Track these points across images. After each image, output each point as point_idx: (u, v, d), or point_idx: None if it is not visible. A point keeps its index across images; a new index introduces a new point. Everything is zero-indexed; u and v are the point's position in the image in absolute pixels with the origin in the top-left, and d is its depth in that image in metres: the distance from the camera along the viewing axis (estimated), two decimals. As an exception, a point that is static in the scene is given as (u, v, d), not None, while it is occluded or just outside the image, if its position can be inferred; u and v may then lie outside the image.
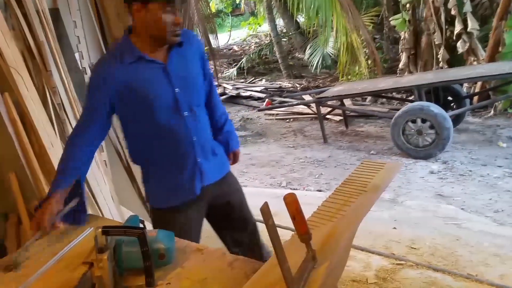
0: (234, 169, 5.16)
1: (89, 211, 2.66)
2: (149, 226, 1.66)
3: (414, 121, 4.43)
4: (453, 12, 5.94)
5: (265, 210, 0.89)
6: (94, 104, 1.57)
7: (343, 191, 1.50)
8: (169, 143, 1.61)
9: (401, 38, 6.79)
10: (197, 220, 1.79)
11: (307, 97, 6.90)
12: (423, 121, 4.37)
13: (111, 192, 2.87)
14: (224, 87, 8.75)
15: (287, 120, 6.82)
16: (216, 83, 8.93)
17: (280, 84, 8.99)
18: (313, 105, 6.14)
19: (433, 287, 2.31)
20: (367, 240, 2.85)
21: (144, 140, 1.64)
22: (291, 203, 1.04)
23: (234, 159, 2.00)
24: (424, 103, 4.41)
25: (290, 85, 8.87)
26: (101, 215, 2.72)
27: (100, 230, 1.11)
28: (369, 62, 7.36)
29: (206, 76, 1.74)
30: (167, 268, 1.28)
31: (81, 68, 2.94)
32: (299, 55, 11.12)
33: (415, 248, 2.74)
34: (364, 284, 2.39)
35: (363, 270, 2.52)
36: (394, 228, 3.04)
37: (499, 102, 5.42)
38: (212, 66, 7.17)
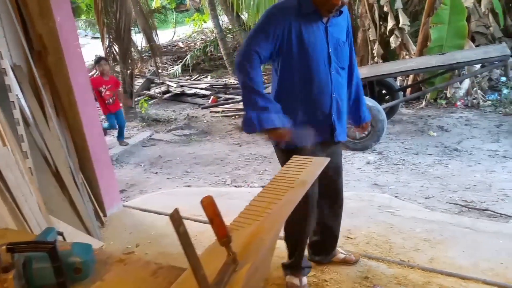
0: (178, 169, 5.05)
1: (13, 224, 2.50)
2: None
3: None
4: (385, 9, 6.20)
5: (175, 217, 0.87)
6: (268, 32, 1.82)
7: (271, 188, 1.50)
8: (314, 93, 1.93)
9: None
10: None
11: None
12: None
13: (38, 201, 2.71)
14: (168, 85, 8.58)
15: (233, 117, 6.80)
16: (158, 81, 8.76)
17: (225, 81, 8.95)
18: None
19: (368, 275, 2.40)
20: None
21: (294, 86, 1.93)
22: (208, 206, 1.02)
23: (363, 129, 2.38)
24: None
25: (235, 81, 8.85)
26: (27, 227, 2.57)
27: (4, 247, 1.03)
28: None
29: (350, 45, 2.09)
30: (85, 282, 1.22)
31: (0, 69, 2.74)
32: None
33: (351, 238, 2.83)
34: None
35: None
36: (333, 219, 3.12)
37: (429, 93, 5.74)
38: (153, 65, 7.00)
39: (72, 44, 3.16)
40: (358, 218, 3.11)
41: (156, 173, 4.85)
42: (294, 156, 1.76)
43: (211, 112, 7.13)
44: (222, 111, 7.00)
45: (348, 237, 2.84)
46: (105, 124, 5.92)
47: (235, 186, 4.23)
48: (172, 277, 1.23)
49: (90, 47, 13.78)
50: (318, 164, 1.64)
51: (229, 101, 6.80)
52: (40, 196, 2.75)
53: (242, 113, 6.77)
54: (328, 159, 1.68)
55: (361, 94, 2.24)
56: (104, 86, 5.67)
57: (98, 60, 5.85)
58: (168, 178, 4.64)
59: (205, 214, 1.03)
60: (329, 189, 2.25)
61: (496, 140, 4.69)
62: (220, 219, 1.03)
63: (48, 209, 2.87)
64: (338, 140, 2.09)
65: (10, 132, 2.72)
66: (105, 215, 3.49)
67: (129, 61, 6.31)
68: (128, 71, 6.57)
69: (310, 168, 1.60)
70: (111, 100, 5.74)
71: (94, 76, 6.23)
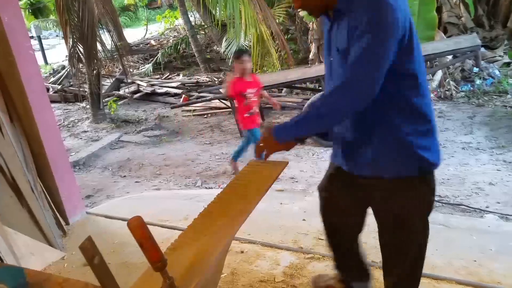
0: (148, 171, 4.89)
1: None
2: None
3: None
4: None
5: (87, 247, 0.75)
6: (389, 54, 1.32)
7: (222, 198, 1.40)
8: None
9: (310, 29, 6.91)
10: None
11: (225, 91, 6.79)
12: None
13: (-9, 213, 2.53)
14: (138, 84, 8.35)
15: (205, 116, 6.67)
16: (128, 80, 8.53)
17: (197, 78, 8.78)
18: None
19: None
20: (276, 235, 2.83)
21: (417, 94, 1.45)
22: (136, 228, 0.91)
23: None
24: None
25: (208, 79, 8.70)
26: (-22, 242, 2.40)
27: None
28: (283, 53, 7.42)
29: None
30: (10, 313, 1.09)
31: None
32: (217, 48, 10.96)
33: (322, 239, 2.75)
34: (272, 283, 2.34)
35: (271, 268, 2.48)
36: (304, 220, 3.05)
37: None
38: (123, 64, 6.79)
39: (23, 45, 2.97)
40: (329, 217, 3.04)
41: (125, 176, 4.69)
42: (251, 160, 1.66)
43: (182, 111, 6.97)
44: (194, 110, 6.85)
45: (319, 239, 2.77)
46: (241, 145, 4.35)
47: (206, 188, 4.11)
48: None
49: (61, 47, 13.37)
50: (275, 168, 1.54)
51: (198, 100, 6.64)
52: (-8, 208, 2.57)
53: (215, 111, 6.64)
54: (287, 162, 1.58)
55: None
56: (249, 90, 4.13)
57: (239, 54, 4.19)
58: (136, 182, 4.49)
59: (134, 238, 0.92)
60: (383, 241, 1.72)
61: (469, 132, 4.71)
62: (151, 242, 0.92)
63: (3, 220, 2.70)
64: (356, 173, 1.58)
65: (-45, 141, 2.53)
66: (67, 224, 3.32)
67: (95, 61, 6.08)
68: (94, 71, 6.35)
69: (267, 173, 1.50)
70: (255, 110, 4.22)
71: (231, 76, 4.41)
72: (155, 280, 0.98)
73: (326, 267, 2.44)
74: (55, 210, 3.21)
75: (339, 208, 1.79)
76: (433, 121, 1.48)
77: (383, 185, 1.50)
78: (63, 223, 3.26)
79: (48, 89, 9.19)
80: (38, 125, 3.02)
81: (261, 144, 1.51)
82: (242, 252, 2.68)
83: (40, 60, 12.84)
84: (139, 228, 0.90)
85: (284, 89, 6.80)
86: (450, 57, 5.70)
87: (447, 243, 2.57)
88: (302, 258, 2.55)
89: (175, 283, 0.99)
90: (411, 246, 1.60)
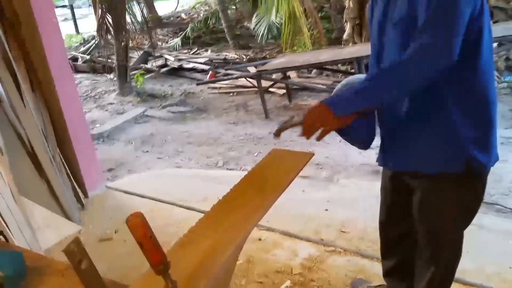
0: (170, 148, 4.85)
1: None
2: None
3: (353, 95, 4.29)
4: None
5: (73, 250, 0.64)
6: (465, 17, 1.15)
7: (240, 189, 1.27)
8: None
9: (346, 7, 6.59)
10: None
11: (252, 69, 6.62)
12: (363, 95, 4.24)
13: (9, 182, 2.51)
14: (166, 59, 8.26)
15: (231, 94, 6.52)
16: (156, 54, 8.45)
17: (226, 55, 8.60)
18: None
19: (359, 276, 2.20)
20: (297, 224, 2.71)
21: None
22: (136, 226, 0.79)
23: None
24: (363, 76, 4.26)
25: (236, 56, 8.51)
26: (-4, 211, 2.38)
27: None
28: (315, 32, 7.14)
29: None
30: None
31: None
32: (247, 24, 10.69)
33: (345, 232, 2.62)
34: (288, 275, 2.24)
35: (288, 259, 2.38)
36: (326, 210, 2.91)
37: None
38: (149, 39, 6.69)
39: (47, 14, 2.89)
40: (354, 209, 2.90)
41: (147, 151, 4.64)
42: (274, 148, 1.53)
43: (208, 88, 6.84)
44: (220, 87, 6.71)
45: (342, 231, 2.64)
46: None
47: (227, 169, 4.02)
48: (111, 298, 1.03)
49: (93, 17, 13.39)
50: (300, 160, 1.40)
51: (224, 77, 6.49)
52: (11, 177, 2.55)
53: (241, 90, 6.45)
54: (312, 153, 1.42)
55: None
56: None
57: None
58: (158, 158, 4.43)
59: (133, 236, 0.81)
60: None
61: (510, 126, 4.40)
62: (152, 243, 0.81)
63: (21, 191, 2.68)
64: (387, 165, 1.53)
65: (-24, 108, 2.50)
66: (86, 197, 3.30)
67: (123, 32, 6.00)
68: (122, 43, 6.27)
69: (291, 165, 1.37)
70: None
71: None
72: (157, 281, 0.87)
73: (348, 262, 2.31)
74: (74, 183, 3.19)
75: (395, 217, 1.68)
76: (494, 114, 1.30)
77: (423, 183, 1.38)
78: (81, 196, 3.24)
79: (77, 59, 9.25)
80: (59, 95, 2.97)
81: (313, 121, 1.23)
82: (259, 239, 2.59)
83: (71, 30, 12.93)
84: (139, 227, 0.79)
85: (314, 70, 6.55)
86: (495, 44, 5.31)
87: (480, 246, 2.38)
88: (322, 251, 2.43)
89: (179, 287, 0.88)
90: (441, 254, 1.46)
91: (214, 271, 0.94)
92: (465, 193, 1.34)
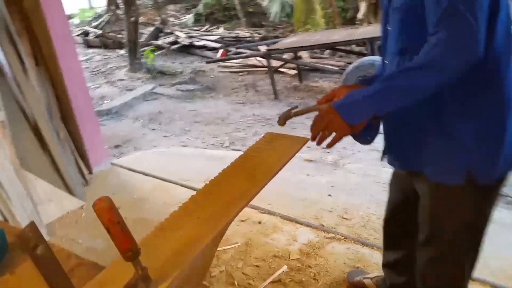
0: (177, 126, 4.82)
1: None
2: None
3: (364, 77, 4.16)
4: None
5: (28, 235, 0.60)
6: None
7: (229, 173, 1.22)
8: None
9: (362, -14, 6.38)
10: None
11: (264, 49, 6.49)
12: (375, 78, 4.11)
13: (11, 156, 2.50)
14: (177, 36, 8.16)
15: (241, 74, 6.43)
16: (167, 30, 8.35)
17: (238, 33, 8.47)
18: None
19: (358, 265, 2.15)
20: (297, 209, 2.66)
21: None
22: (102, 211, 0.75)
23: None
24: (376, 58, 4.13)
25: (248, 34, 8.38)
26: (-3, 185, 2.39)
27: None
28: (330, 11, 6.95)
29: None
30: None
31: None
32: (261, 2, 10.48)
33: (346, 219, 2.57)
34: (286, 260, 2.21)
35: (287, 243, 2.34)
36: (329, 195, 2.85)
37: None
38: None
39: (50, -14, 2.83)
40: (358, 196, 2.83)
41: (154, 129, 4.62)
42: (267, 132, 1.47)
43: (219, 66, 6.76)
44: (231, 66, 6.62)
45: (343, 217, 2.58)
46: None
47: (233, 150, 3.97)
48: (88, 279, 1.00)
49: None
50: (293, 145, 1.34)
51: (234, 56, 6.38)
52: (13, 151, 2.55)
53: (252, 69, 6.32)
54: (307, 139, 1.34)
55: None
56: None
57: None
58: (165, 136, 4.41)
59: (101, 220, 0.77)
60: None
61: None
62: (119, 229, 0.76)
63: (24, 165, 2.68)
64: (393, 165, 1.40)
65: (-22, 81, 2.48)
66: (90, 173, 3.30)
67: (133, 7, 5.91)
68: (132, 19, 6.19)
69: (283, 149, 1.31)
70: None
71: None
72: (130, 266, 0.84)
73: (347, 250, 2.27)
74: (78, 158, 3.19)
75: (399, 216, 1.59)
76: (509, 115, 1.10)
77: (426, 188, 1.25)
78: (86, 172, 3.24)
79: (88, 34, 9.21)
80: (63, 70, 2.94)
81: (323, 128, 1.12)
82: (259, 222, 2.55)
83: (85, 4, 12.86)
84: (106, 212, 0.75)
85: (327, 51, 6.40)
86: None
87: (486, 240, 2.30)
88: (322, 237, 2.39)
89: (150, 274, 0.84)
90: (441, 267, 1.32)
91: (190, 259, 0.90)
92: (468, 208, 1.19)
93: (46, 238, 2.53)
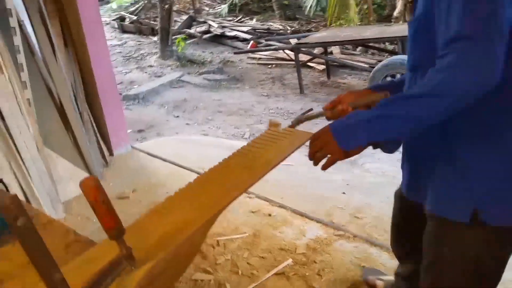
0: (200, 115, 4.88)
1: (4, 154, 2.43)
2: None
3: (393, 77, 4.08)
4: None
5: (9, 206, 0.63)
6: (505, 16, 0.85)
7: (227, 164, 1.23)
8: None
9: (399, -18, 6.20)
10: None
11: (294, 42, 6.44)
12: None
13: (35, 134, 2.61)
14: (210, 25, 8.21)
15: (269, 66, 6.42)
16: (200, 19, 8.40)
17: (270, 25, 8.43)
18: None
19: (364, 264, 2.12)
20: (309, 204, 2.65)
21: None
22: (88, 190, 0.77)
23: None
24: (406, 57, 4.02)
25: (280, 27, 8.33)
26: (19, 159, 2.50)
27: None
28: (365, 7, 6.81)
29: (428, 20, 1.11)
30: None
31: None
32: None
33: (358, 218, 2.53)
34: (292, 253, 2.20)
35: (295, 238, 2.33)
36: (344, 193, 2.83)
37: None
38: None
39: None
40: (373, 195, 2.79)
41: (178, 116, 4.70)
42: (272, 124, 1.46)
43: (248, 58, 6.77)
44: (260, 58, 6.61)
45: (355, 216, 2.55)
46: None
47: (253, 141, 3.98)
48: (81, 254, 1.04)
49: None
50: (297, 139, 1.33)
51: (262, 48, 6.36)
52: (37, 129, 2.65)
53: (280, 62, 6.29)
54: (311, 133, 1.32)
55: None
56: None
57: None
58: (187, 124, 4.48)
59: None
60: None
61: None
62: (104, 207, 0.79)
63: (47, 143, 2.79)
64: (405, 194, 1.26)
65: (10, 60, 2.58)
66: (111, 155, 3.40)
67: (166, -5, 6.00)
68: (166, 6, 6.28)
69: (285, 143, 1.30)
70: None
71: None
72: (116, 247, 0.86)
73: (355, 249, 2.24)
74: (100, 140, 3.28)
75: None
76: None
77: (430, 218, 1.16)
78: (107, 153, 3.33)
79: (124, 19, 9.40)
80: (90, 53, 3.02)
81: (317, 149, 1.08)
82: (269, 215, 2.56)
83: (124, -10, 13.09)
84: (91, 190, 0.77)
85: (360, 47, 6.29)
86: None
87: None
88: (331, 234, 2.37)
89: (138, 254, 0.87)
90: None
91: (176, 243, 0.91)
92: (474, 248, 1.06)
93: (62, 215, 2.64)
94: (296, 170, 3.08)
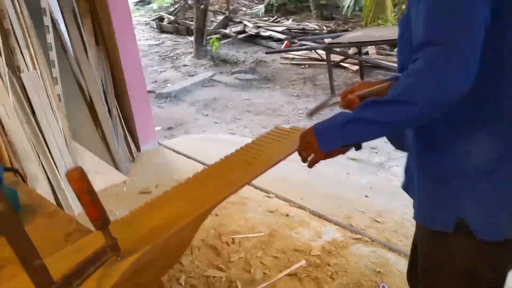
0: (229, 114, 4.90)
1: (33, 146, 2.54)
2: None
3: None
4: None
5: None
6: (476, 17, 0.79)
7: (228, 161, 1.24)
8: None
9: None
10: None
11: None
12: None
13: (63, 128, 2.73)
14: (245, 25, 8.25)
15: (302, 66, 6.36)
16: (236, 19, 8.43)
17: (306, 25, 8.36)
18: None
19: (380, 269, 2.06)
20: (329, 206, 2.61)
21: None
22: (74, 180, 0.79)
23: None
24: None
25: (316, 27, 8.24)
26: (47, 151, 2.61)
27: None
28: (403, 7, 6.62)
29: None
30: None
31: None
32: (334, -6, 10.23)
33: (378, 222, 2.47)
34: (306, 255, 2.18)
35: (310, 239, 2.31)
36: (366, 196, 2.76)
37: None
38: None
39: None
40: (396, 200, 2.70)
41: (207, 115, 4.75)
42: (276, 126, 1.45)
43: (281, 58, 6.74)
44: (293, 58, 6.57)
45: (376, 220, 2.49)
46: None
47: (278, 141, 3.96)
48: (81, 244, 1.07)
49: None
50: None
51: (293, 48, 6.30)
52: (66, 123, 2.77)
53: (314, 62, 6.20)
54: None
55: None
56: None
57: None
58: (215, 122, 4.52)
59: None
60: None
61: None
62: (89, 198, 0.81)
63: (76, 137, 2.91)
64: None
65: (42, 56, 2.71)
66: (138, 150, 3.49)
67: (202, -4, 6.08)
68: (201, 7, 6.37)
69: (288, 143, 1.29)
70: None
71: None
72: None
73: (372, 253, 2.18)
74: (128, 136, 3.38)
75: None
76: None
77: (421, 231, 1.11)
78: (134, 149, 3.43)
79: (163, 19, 9.63)
80: (120, 51, 3.11)
81: (303, 148, 1.06)
82: (287, 215, 2.54)
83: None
84: (76, 181, 0.79)
85: (397, 48, 6.11)
86: None
87: None
88: (348, 237, 2.32)
89: (126, 245, 0.89)
90: None
91: (165, 236, 0.92)
92: (465, 259, 0.99)
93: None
94: (320, 170, 3.03)
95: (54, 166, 2.58)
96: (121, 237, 0.91)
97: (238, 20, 8.69)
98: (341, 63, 5.79)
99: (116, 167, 3.08)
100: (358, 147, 1.06)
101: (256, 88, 5.54)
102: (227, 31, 8.28)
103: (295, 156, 1.14)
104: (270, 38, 7.74)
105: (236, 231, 2.42)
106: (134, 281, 0.90)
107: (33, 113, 2.60)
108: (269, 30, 7.93)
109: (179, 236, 0.97)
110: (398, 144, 1.20)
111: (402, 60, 1.02)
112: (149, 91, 5.54)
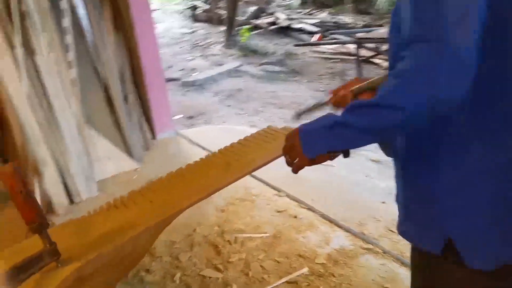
0: (251, 106, 4.78)
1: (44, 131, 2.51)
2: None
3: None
4: None
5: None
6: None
7: (207, 161, 1.13)
8: None
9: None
10: None
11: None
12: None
13: (77, 113, 2.70)
14: (277, 17, 8.07)
15: (332, 60, 6.14)
16: (269, 10, 8.27)
17: (340, 19, 8.08)
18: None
19: (388, 285, 1.90)
20: (342, 210, 2.45)
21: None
22: (4, 177, 0.71)
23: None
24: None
25: (350, 21, 7.95)
26: (59, 135, 2.60)
27: None
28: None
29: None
30: None
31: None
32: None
33: (393, 232, 2.28)
34: (310, 262, 2.05)
35: (317, 245, 2.17)
36: (383, 202, 2.58)
37: None
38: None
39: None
40: (415, 207, 2.51)
41: (229, 106, 4.66)
42: (268, 126, 1.33)
43: (311, 51, 6.54)
44: (324, 52, 6.36)
45: (390, 229, 2.31)
46: None
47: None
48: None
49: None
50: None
51: (328, 41, 6.08)
52: (79, 108, 2.74)
53: (345, 57, 5.99)
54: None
55: None
56: None
57: None
58: (237, 114, 4.42)
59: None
60: None
61: None
62: (23, 198, 0.72)
63: (90, 122, 2.88)
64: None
65: (58, 40, 2.68)
66: (154, 138, 3.44)
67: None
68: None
69: (275, 145, 1.16)
70: None
71: None
72: (56, 239, 0.79)
73: (382, 266, 2.02)
74: (144, 123, 3.33)
75: None
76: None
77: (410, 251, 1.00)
78: (149, 137, 3.38)
79: (196, 8, 9.59)
80: (138, 38, 3.05)
81: (287, 151, 0.95)
82: (295, 217, 2.41)
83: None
84: (8, 178, 0.70)
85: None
86: None
87: None
88: (358, 246, 2.16)
89: (69, 250, 0.80)
90: None
91: (114, 246, 0.82)
92: (445, 275, 0.89)
93: (96, 193, 2.68)
94: (336, 171, 2.88)
95: (65, 150, 2.56)
96: (70, 241, 0.82)
97: (271, 11, 8.51)
98: (373, 59, 5.54)
99: (130, 154, 3.04)
100: (346, 154, 0.91)
101: (282, 81, 5.39)
102: (258, 22, 8.13)
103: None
104: (301, 30, 7.54)
105: (241, 230, 2.32)
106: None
107: (46, 97, 2.58)
108: (302, 22, 7.72)
109: (133, 244, 0.86)
110: (389, 151, 1.05)
111: (390, 56, 0.88)
112: (175, 79, 5.52)
